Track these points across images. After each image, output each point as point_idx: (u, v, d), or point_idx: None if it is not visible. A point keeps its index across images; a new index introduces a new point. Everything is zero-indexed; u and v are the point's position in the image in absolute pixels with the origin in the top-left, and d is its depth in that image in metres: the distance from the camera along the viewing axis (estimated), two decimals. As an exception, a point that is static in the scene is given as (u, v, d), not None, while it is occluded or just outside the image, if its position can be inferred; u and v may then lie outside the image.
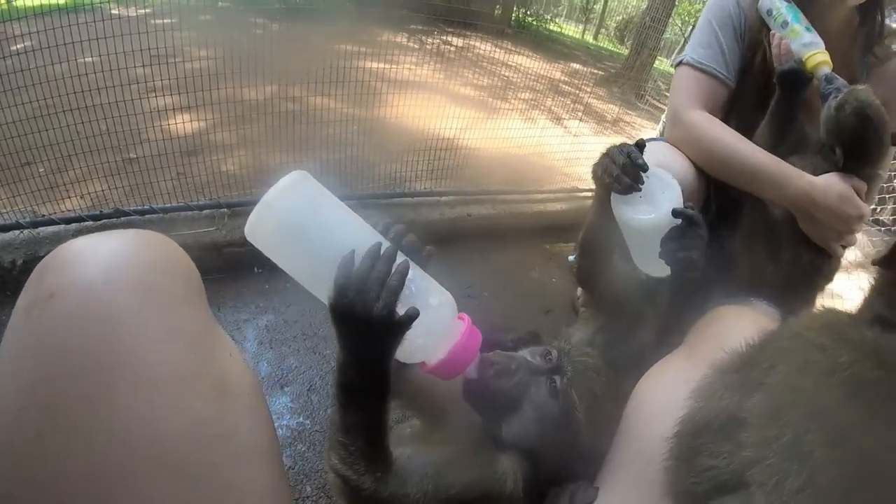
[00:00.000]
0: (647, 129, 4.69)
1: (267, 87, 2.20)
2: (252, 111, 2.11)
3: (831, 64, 1.35)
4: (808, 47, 1.36)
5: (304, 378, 1.69)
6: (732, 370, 0.80)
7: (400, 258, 0.76)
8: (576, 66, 6.20)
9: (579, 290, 2.32)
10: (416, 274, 0.79)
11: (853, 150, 1.35)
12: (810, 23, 1.40)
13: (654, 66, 7.16)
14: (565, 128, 3.94)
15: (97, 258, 0.60)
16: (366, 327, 0.71)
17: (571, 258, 2.78)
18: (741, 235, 1.59)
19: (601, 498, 0.86)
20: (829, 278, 1.57)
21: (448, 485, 0.82)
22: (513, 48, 4.19)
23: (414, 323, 0.72)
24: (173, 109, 1.99)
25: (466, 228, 2.45)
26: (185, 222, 1.90)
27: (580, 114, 4.01)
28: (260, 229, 0.75)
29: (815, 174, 1.39)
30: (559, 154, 3.45)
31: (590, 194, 3.28)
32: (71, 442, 0.52)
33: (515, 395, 0.90)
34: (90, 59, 1.76)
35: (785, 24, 1.41)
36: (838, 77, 1.33)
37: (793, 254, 1.49)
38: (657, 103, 5.21)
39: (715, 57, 1.60)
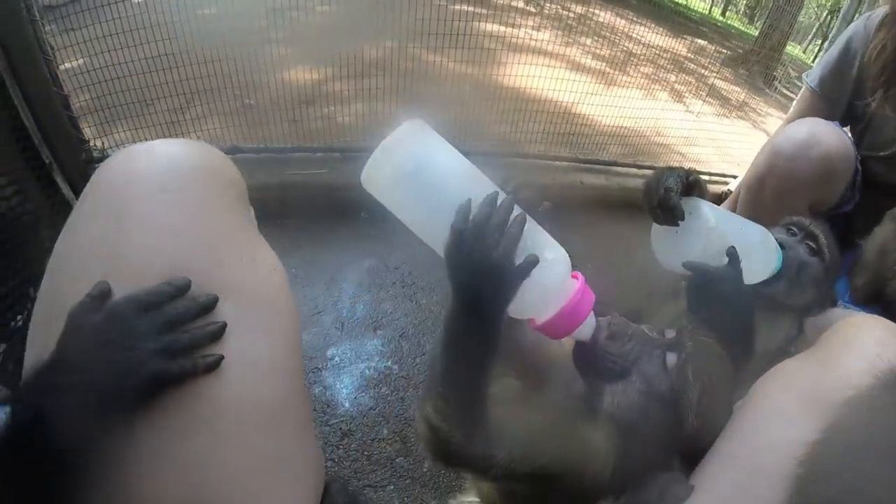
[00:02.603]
0: (774, 118, 4.37)
1: (386, 44, 2.19)
2: (370, 67, 2.10)
3: None
4: None
5: (397, 324, 1.69)
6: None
7: (517, 211, 0.73)
8: (701, 42, 5.90)
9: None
10: (532, 227, 0.76)
11: None
12: None
13: (786, 50, 6.68)
14: (686, 106, 3.74)
15: (137, 161, 0.67)
16: (482, 274, 0.69)
17: None
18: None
19: (695, 499, 0.80)
20: None
21: (537, 454, 0.79)
22: (636, 19, 3.99)
23: (527, 276, 0.71)
24: (291, 61, 2.02)
25: (577, 196, 2.37)
26: (299, 163, 1.93)
27: (703, 94, 3.80)
28: (376, 176, 0.74)
29: None
30: (677, 133, 3.29)
31: (707, 178, 3.12)
32: None
33: (626, 364, 0.86)
34: (210, 10, 1.82)
35: None
36: None
37: None
38: (787, 91, 4.86)
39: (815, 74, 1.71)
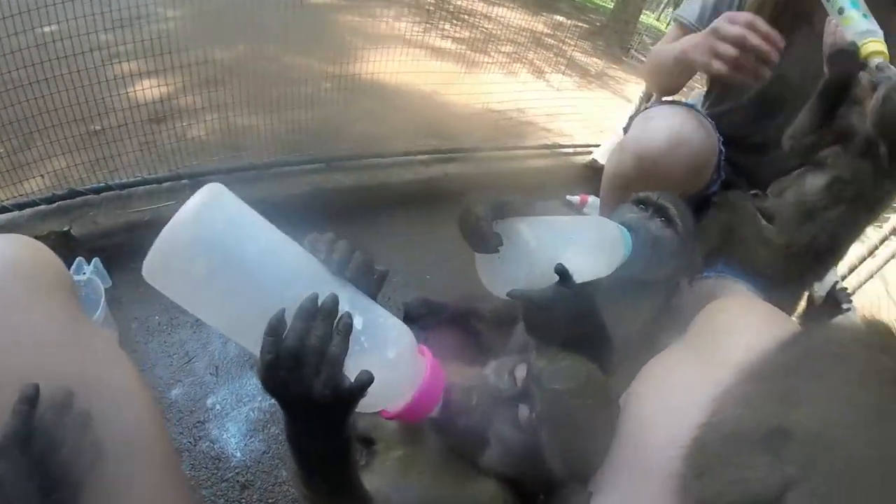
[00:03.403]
0: (633, 84, 4.63)
1: (238, 47, 2.13)
2: (222, 72, 2.05)
3: (887, 55, 1.27)
4: (864, 35, 1.27)
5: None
6: (768, 377, 0.72)
7: (345, 299, 0.66)
8: (559, 18, 6.11)
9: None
10: (367, 319, 0.69)
11: None
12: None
13: (641, 19, 7.04)
14: (547, 82, 3.89)
15: None
16: (307, 407, 0.62)
17: (570, 197, 2.75)
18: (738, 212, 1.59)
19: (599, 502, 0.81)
20: (821, 275, 1.58)
21: None
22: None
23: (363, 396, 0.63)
24: (139, 75, 1.91)
25: (443, 189, 2.39)
26: (144, 198, 1.79)
27: (563, 68, 3.96)
28: (162, 271, 0.62)
29: (854, 176, 1.36)
30: (540, 109, 3.39)
31: (572, 150, 3.28)
32: None
33: (481, 431, 0.84)
34: (49, 28, 1.69)
35: (841, 10, 1.31)
36: (892, 67, 1.25)
37: (787, 240, 1.47)
38: (643, 58, 5.14)
39: (694, 11, 1.63)
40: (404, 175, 2.32)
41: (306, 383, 0.60)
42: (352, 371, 0.62)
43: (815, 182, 1.43)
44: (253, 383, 1.52)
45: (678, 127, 1.47)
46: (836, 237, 1.42)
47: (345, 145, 2.30)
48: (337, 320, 0.63)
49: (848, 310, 1.66)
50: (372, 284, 0.74)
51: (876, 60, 1.25)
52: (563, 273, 0.95)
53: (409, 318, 1.49)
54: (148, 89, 1.91)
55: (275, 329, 0.60)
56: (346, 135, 2.36)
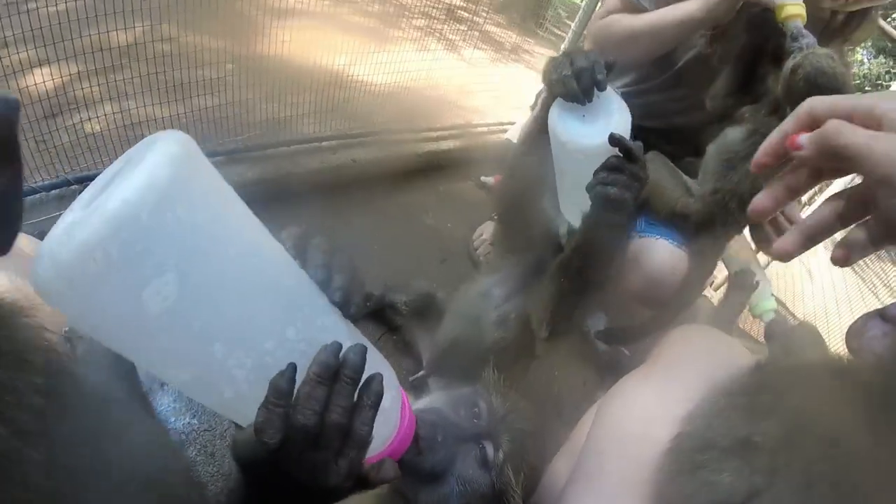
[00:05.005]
0: (545, 58, 4.68)
1: (137, 28, 2.01)
2: (119, 57, 1.92)
3: (804, 18, 1.29)
4: None
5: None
6: (738, 392, 0.76)
7: (344, 336, 0.53)
8: (474, -11, 5.99)
9: (476, 235, 2.37)
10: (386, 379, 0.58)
11: None
12: None
13: (556, -8, 7.07)
14: (461, 56, 3.89)
15: None
16: (308, 490, 0.50)
17: (485, 178, 2.81)
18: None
19: None
20: (743, 224, 1.66)
21: None
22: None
23: None
24: (32, 65, 1.79)
25: (352, 176, 2.37)
26: (34, 209, 1.61)
27: (476, 41, 3.96)
28: (63, 284, 0.39)
29: (768, 130, 1.43)
30: (453, 85, 3.39)
31: (486, 129, 3.31)
32: None
33: (445, 470, 0.82)
34: None
35: None
36: (808, 35, 1.28)
37: (712, 187, 1.56)
38: (557, 31, 5.22)
39: None
40: (310, 163, 2.29)
41: (320, 470, 0.47)
42: None
43: (734, 135, 1.52)
44: (163, 403, 1.40)
45: None
46: (755, 184, 1.48)
47: (250, 132, 2.24)
48: (361, 384, 0.50)
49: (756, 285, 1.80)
50: (361, 308, 0.58)
51: (793, 24, 1.28)
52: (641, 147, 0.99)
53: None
54: (43, 79, 1.78)
55: (283, 393, 0.45)
56: (250, 120, 2.29)
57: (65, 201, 1.70)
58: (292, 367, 0.46)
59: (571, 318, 1.17)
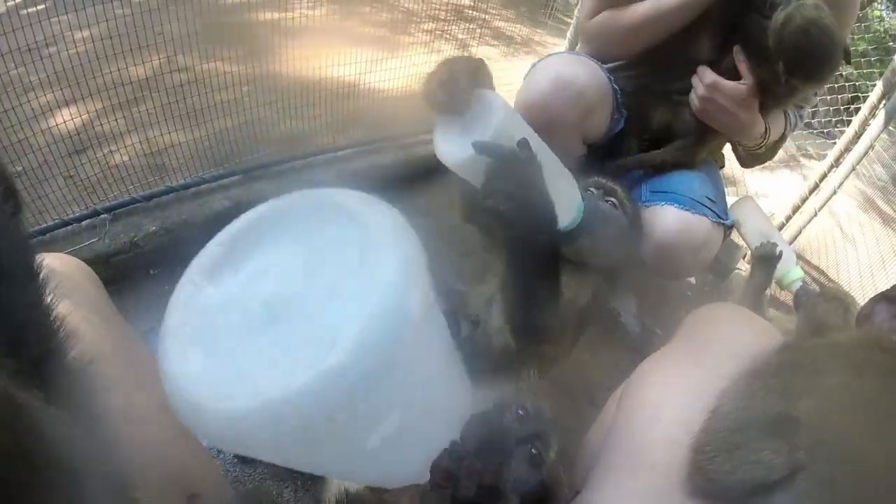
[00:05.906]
0: (557, 47, 4.66)
1: (154, 61, 2.10)
2: (139, 90, 2.01)
3: None
4: None
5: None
6: (770, 374, 0.77)
7: None
8: (480, -13, 6.00)
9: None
10: None
11: (795, 67, 1.33)
12: None
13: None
14: (472, 54, 3.90)
15: None
16: None
17: None
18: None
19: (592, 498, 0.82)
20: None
21: None
22: (410, -23, 4.07)
23: None
24: (56, 105, 1.88)
25: (369, 182, 2.29)
26: (68, 239, 1.71)
27: (488, 38, 3.97)
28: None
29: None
30: (467, 84, 3.35)
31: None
32: None
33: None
34: None
35: None
36: None
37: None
38: (564, 17, 5.18)
39: None
40: (327, 174, 2.32)
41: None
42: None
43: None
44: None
45: (558, 70, 1.54)
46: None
47: (268, 149, 2.29)
48: None
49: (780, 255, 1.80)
50: None
51: None
52: (524, 145, 0.89)
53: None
54: (68, 119, 1.87)
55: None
56: (268, 138, 2.34)
57: (95, 231, 1.78)
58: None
59: (538, 326, 1.09)
